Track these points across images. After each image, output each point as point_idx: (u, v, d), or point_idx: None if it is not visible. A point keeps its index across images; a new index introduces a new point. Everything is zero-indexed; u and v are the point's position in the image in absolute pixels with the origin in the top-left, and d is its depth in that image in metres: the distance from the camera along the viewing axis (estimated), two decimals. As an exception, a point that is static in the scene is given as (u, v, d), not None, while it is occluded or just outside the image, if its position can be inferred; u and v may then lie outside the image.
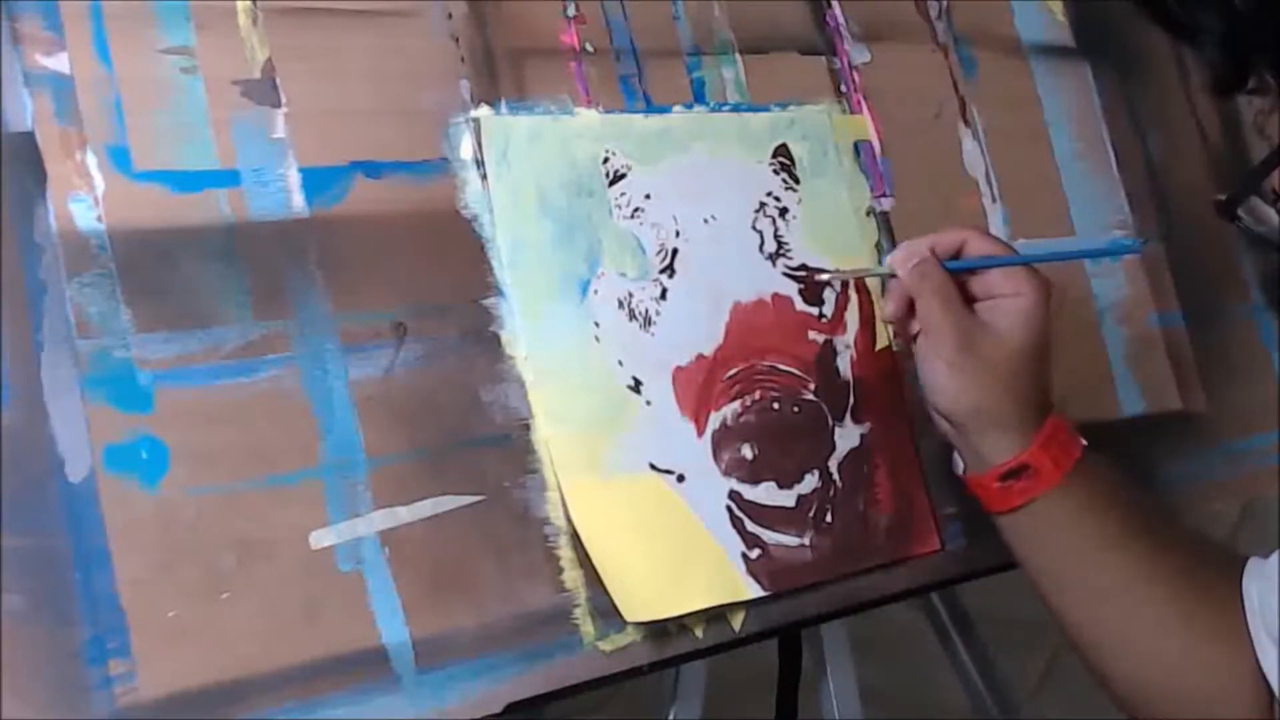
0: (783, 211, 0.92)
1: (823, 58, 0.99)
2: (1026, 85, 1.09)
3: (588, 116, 0.87)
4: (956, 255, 0.84)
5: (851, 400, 0.91)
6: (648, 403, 0.84)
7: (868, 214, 0.96)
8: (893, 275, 0.84)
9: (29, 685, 0.64)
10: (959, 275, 0.83)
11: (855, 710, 1.20)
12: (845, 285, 0.93)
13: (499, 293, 0.81)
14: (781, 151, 0.93)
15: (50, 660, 0.65)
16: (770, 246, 0.91)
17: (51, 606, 0.65)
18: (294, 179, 0.76)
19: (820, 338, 0.91)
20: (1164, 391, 1.10)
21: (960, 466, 0.86)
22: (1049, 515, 0.82)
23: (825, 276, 0.91)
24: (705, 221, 0.89)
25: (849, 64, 1.00)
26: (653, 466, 0.83)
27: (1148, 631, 0.82)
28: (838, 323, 0.92)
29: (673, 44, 0.92)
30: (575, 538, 0.80)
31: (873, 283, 0.94)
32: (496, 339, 0.80)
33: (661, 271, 0.86)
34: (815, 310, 0.91)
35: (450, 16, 0.84)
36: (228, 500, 0.70)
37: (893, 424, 0.93)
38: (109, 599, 0.66)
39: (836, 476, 0.89)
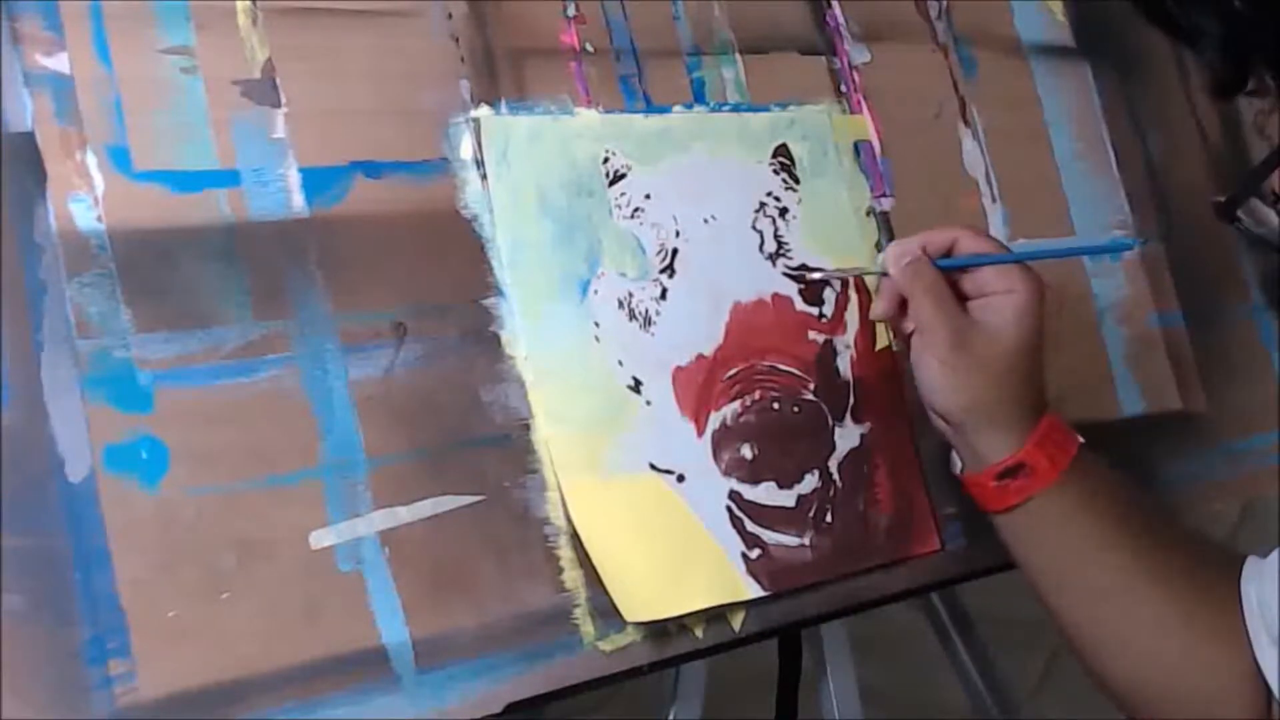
0: (783, 211, 0.92)
1: (823, 58, 0.99)
2: (1026, 85, 1.09)
3: (588, 116, 0.87)
4: (948, 253, 0.84)
5: (851, 400, 0.91)
6: (648, 403, 0.84)
7: (868, 214, 0.96)
8: (885, 274, 0.84)
9: (29, 685, 0.64)
10: (951, 273, 0.83)
11: (855, 710, 1.20)
12: (845, 285, 0.93)
13: (499, 293, 0.81)
14: (781, 151, 0.93)
15: (50, 660, 0.65)
16: (770, 246, 0.91)
17: (51, 606, 0.65)
18: (294, 179, 0.76)
19: (820, 338, 0.91)
20: (1164, 391, 1.10)
21: (958, 466, 0.86)
22: (1045, 514, 0.82)
23: (819, 275, 0.91)
24: (705, 221, 0.89)
25: (849, 64, 1.00)
26: (653, 466, 0.83)
27: (1146, 631, 0.82)
28: (838, 323, 0.92)
29: (673, 44, 0.92)
30: (575, 538, 0.80)
31: (872, 282, 0.94)
32: (496, 339, 0.80)
33: (661, 271, 0.86)
34: (815, 310, 0.91)
35: (450, 16, 0.84)
36: (228, 500, 0.70)
37: (893, 424, 0.93)
38: (109, 599, 0.66)
39: (836, 476, 0.89)
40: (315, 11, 0.79)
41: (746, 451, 0.86)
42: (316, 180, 0.77)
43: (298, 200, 0.76)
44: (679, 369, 0.85)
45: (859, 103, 0.99)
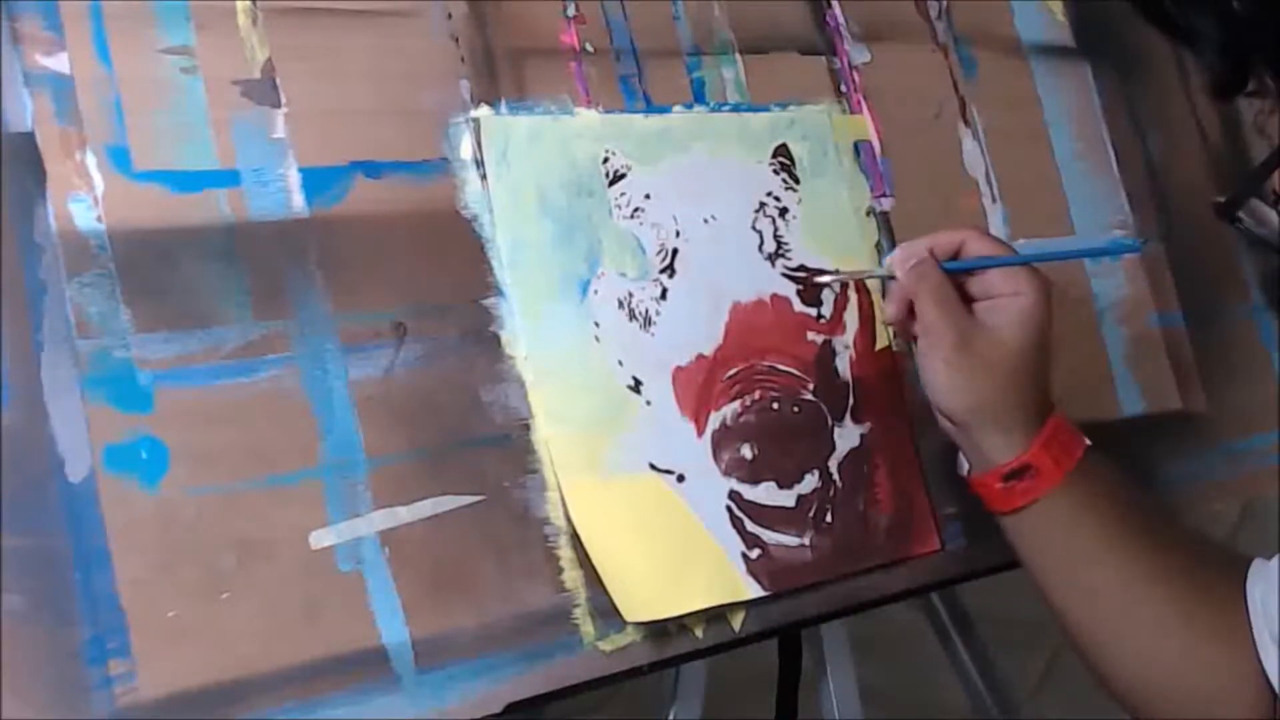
0: (783, 211, 0.92)
1: (823, 58, 0.99)
2: (1026, 85, 1.09)
3: (588, 116, 0.87)
4: (955, 256, 0.84)
5: (851, 400, 0.91)
6: (648, 403, 0.84)
7: (868, 214, 0.96)
8: (891, 277, 0.84)
9: (29, 685, 0.64)
10: (958, 275, 0.83)
11: (855, 710, 1.20)
12: (844, 285, 0.93)
13: (499, 293, 0.81)
14: (781, 151, 0.93)
15: (50, 660, 0.65)
16: (770, 246, 0.91)
17: (51, 606, 0.65)
18: (294, 179, 0.76)
19: (819, 338, 0.91)
20: (1164, 391, 1.10)
21: (965, 468, 0.86)
22: (1052, 515, 0.82)
23: (825, 279, 0.91)
24: (705, 221, 0.89)
25: (849, 64, 1.00)
26: (653, 466, 0.83)
27: (1146, 631, 0.82)
28: (837, 323, 0.92)
29: (673, 44, 0.92)
30: (575, 538, 0.80)
31: (873, 283, 0.94)
32: (496, 339, 0.80)
33: (661, 271, 0.86)
34: (814, 310, 0.91)
35: (450, 16, 0.84)
36: (228, 500, 0.70)
37: (893, 424, 0.93)
38: (109, 599, 0.66)
39: (836, 476, 0.89)
40: (315, 11, 0.79)
41: (746, 451, 0.86)
42: (316, 180, 0.77)
43: (298, 200, 0.76)
44: (679, 369, 0.85)
45: (859, 103, 0.99)
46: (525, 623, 0.77)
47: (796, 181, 0.93)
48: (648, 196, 0.87)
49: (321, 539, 0.72)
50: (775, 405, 0.88)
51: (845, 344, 0.92)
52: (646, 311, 0.85)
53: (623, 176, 0.86)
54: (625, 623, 0.80)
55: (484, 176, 0.82)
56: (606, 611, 0.79)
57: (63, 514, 0.66)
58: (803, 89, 0.97)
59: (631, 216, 0.86)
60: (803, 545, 0.87)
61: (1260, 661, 0.79)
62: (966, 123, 1.05)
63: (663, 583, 0.81)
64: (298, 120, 0.77)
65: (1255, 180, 0.76)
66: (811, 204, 0.93)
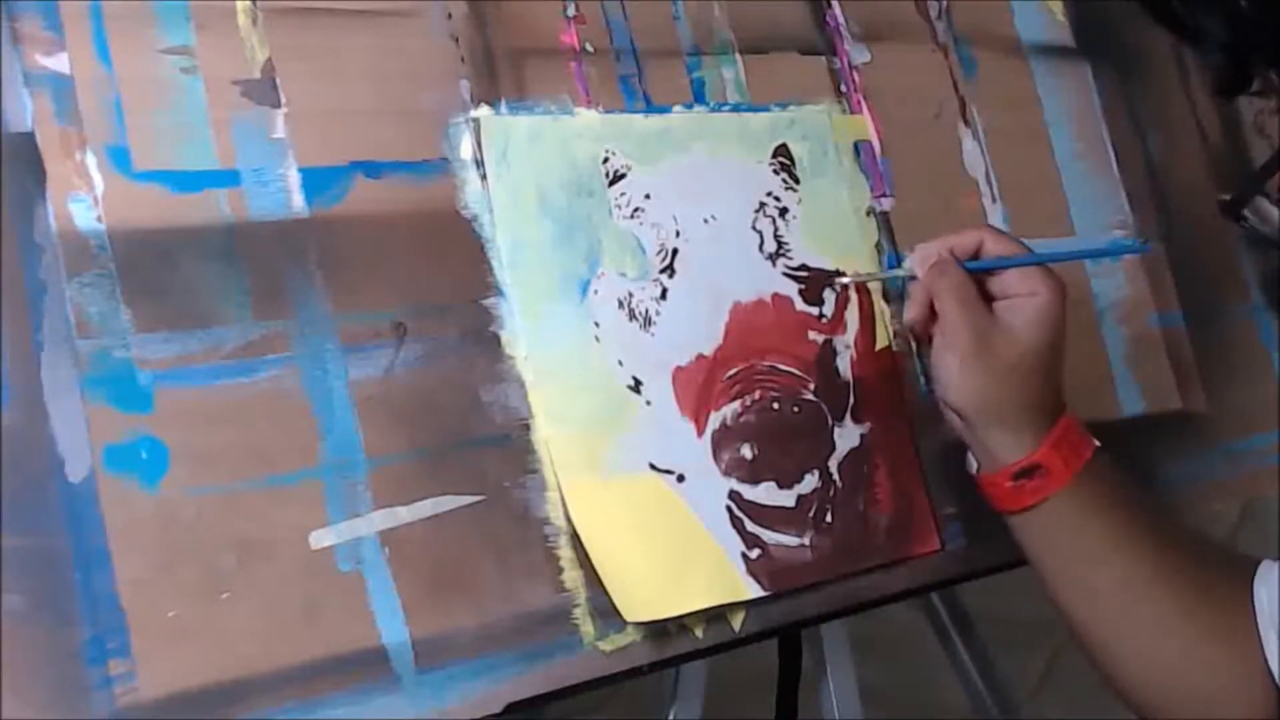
0: (783, 211, 0.92)
1: (823, 58, 0.99)
2: (1026, 85, 1.09)
3: (588, 116, 0.87)
4: (974, 255, 0.84)
5: (851, 400, 0.91)
6: (648, 403, 0.84)
7: (868, 214, 0.96)
8: (912, 277, 0.84)
9: (29, 685, 0.64)
10: (976, 275, 0.84)
11: (855, 710, 1.20)
12: (845, 286, 0.93)
13: (499, 293, 0.81)
14: (781, 151, 0.93)
15: (50, 660, 0.65)
16: (770, 246, 0.91)
17: (51, 606, 0.65)
18: (294, 179, 0.76)
19: (820, 338, 0.91)
20: (1164, 391, 1.10)
21: (974, 466, 0.86)
22: (1059, 515, 0.82)
23: (844, 280, 0.91)
24: (705, 221, 0.89)
25: (849, 64, 1.00)
26: (653, 466, 0.83)
27: (1147, 629, 0.82)
28: (837, 323, 0.92)
29: (673, 44, 0.92)
30: (575, 538, 0.80)
31: (874, 284, 0.94)
32: (496, 339, 0.80)
33: (661, 271, 0.86)
34: (815, 310, 0.91)
35: (450, 16, 0.84)
36: (228, 500, 0.70)
37: (893, 424, 0.93)
38: (109, 599, 0.66)
39: (836, 476, 0.89)
40: (315, 11, 0.79)
41: (746, 451, 0.86)
42: (316, 180, 0.77)
43: (298, 200, 0.76)
44: (679, 369, 0.85)
45: (859, 103, 0.99)
46: (525, 623, 0.77)
47: (796, 181, 0.93)
48: (648, 196, 0.87)
49: (321, 539, 0.72)
50: (775, 405, 0.88)
51: (846, 344, 0.92)
52: (646, 311, 0.85)
53: (623, 176, 0.86)
54: (625, 623, 0.80)
55: (484, 176, 0.82)
56: (606, 611, 0.79)
57: (63, 514, 0.66)
58: (803, 89, 0.97)
59: (631, 216, 0.86)
60: (803, 545, 0.87)
61: (1265, 661, 0.79)
62: (966, 123, 1.05)
63: (663, 583, 0.81)
64: (298, 120, 0.77)
65: (1259, 178, 0.76)
66: (811, 204, 0.93)
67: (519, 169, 0.83)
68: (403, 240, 0.79)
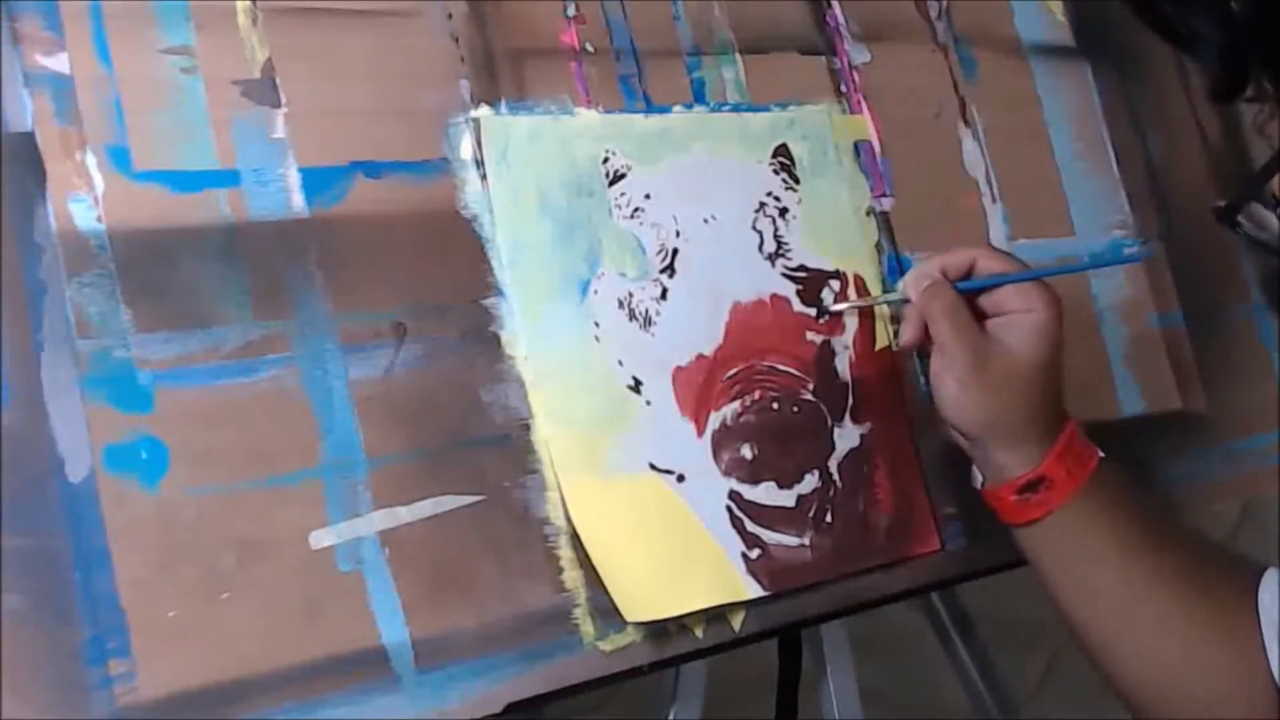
0: (783, 211, 0.92)
1: (823, 58, 0.99)
2: (1026, 85, 1.09)
3: (588, 116, 0.87)
4: (968, 274, 0.84)
5: (850, 400, 0.91)
6: (648, 403, 0.84)
7: (868, 214, 0.96)
8: (906, 300, 0.85)
9: (29, 685, 0.64)
10: (970, 294, 0.84)
11: (855, 710, 1.20)
12: (844, 285, 0.93)
13: (499, 293, 0.81)
14: (781, 151, 0.93)
15: (50, 660, 0.65)
16: (770, 246, 0.91)
17: (51, 606, 0.65)
18: (294, 179, 0.76)
19: (819, 338, 0.91)
20: (1164, 391, 1.10)
21: (978, 480, 0.86)
22: (1065, 527, 0.82)
23: (840, 307, 0.92)
24: (705, 221, 0.89)
25: (849, 64, 1.00)
26: (653, 466, 0.83)
27: (1148, 630, 0.82)
28: (836, 323, 0.92)
29: (673, 44, 0.92)
30: (575, 538, 0.80)
31: (875, 283, 0.94)
32: (496, 339, 0.80)
33: (661, 271, 0.86)
34: (813, 311, 0.91)
35: (450, 16, 0.84)
36: (228, 500, 0.70)
37: (892, 424, 0.93)
38: (109, 599, 0.66)
39: (836, 476, 0.89)
40: (315, 11, 0.79)
41: (746, 451, 0.86)
42: (316, 180, 0.77)
43: (298, 200, 0.76)
44: (679, 369, 0.85)
45: (859, 103, 0.99)
46: (525, 623, 0.77)
47: (796, 181, 0.93)
48: (648, 196, 0.87)
49: (321, 539, 0.72)
50: (775, 405, 0.88)
51: (845, 344, 0.92)
52: (646, 311, 0.85)
53: (623, 176, 0.86)
54: (625, 623, 0.80)
55: (484, 176, 0.82)
56: (606, 611, 0.79)
57: (63, 514, 0.66)
58: (803, 89, 0.97)
59: (631, 216, 0.86)
60: (803, 545, 0.87)
61: (1267, 664, 0.78)
62: (966, 123, 1.05)
63: (663, 583, 0.81)
64: (298, 120, 0.77)
65: (1255, 184, 0.76)
66: (811, 204, 0.93)
67: (519, 169, 0.83)
68: (403, 240, 0.79)
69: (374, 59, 0.80)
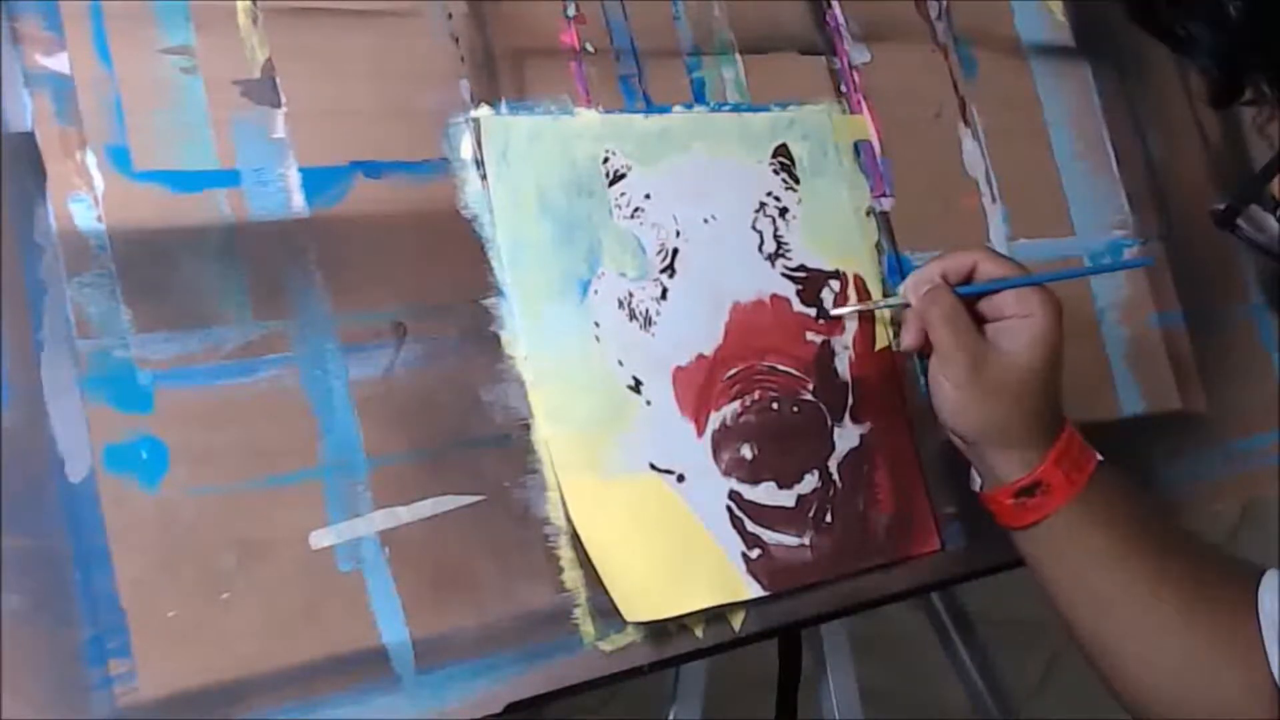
0: (783, 211, 0.92)
1: (823, 58, 0.99)
2: (1026, 85, 1.09)
3: (588, 116, 0.87)
4: (968, 278, 0.84)
5: (850, 400, 0.91)
6: (648, 403, 0.84)
7: (868, 214, 0.96)
8: (907, 304, 0.85)
9: (29, 685, 0.64)
10: (970, 298, 0.84)
11: (855, 710, 1.20)
12: (844, 285, 0.93)
13: (499, 293, 0.81)
14: (781, 151, 0.93)
15: (50, 660, 0.65)
16: (770, 246, 0.91)
17: (51, 606, 0.65)
18: (294, 179, 0.76)
19: (819, 338, 0.91)
20: (1164, 391, 1.10)
21: (976, 483, 0.86)
22: (1063, 530, 0.82)
23: (841, 311, 0.92)
24: (705, 221, 0.89)
25: (849, 64, 1.00)
26: (653, 466, 0.83)
27: (1149, 634, 0.82)
28: (836, 323, 0.92)
29: (673, 44, 0.92)
30: (575, 538, 0.80)
31: (875, 283, 0.94)
32: (496, 339, 0.80)
33: (662, 271, 0.86)
34: (813, 311, 0.91)
35: (450, 16, 0.84)
36: (228, 500, 0.70)
37: (892, 424, 0.93)
38: (109, 599, 0.66)
39: (836, 476, 0.89)
40: (315, 11, 0.79)
41: (746, 451, 0.86)
42: (316, 180, 0.77)
43: (298, 200, 0.76)
44: (679, 369, 0.85)
45: (859, 103, 0.99)
46: (525, 623, 0.77)
47: (796, 181, 0.93)
48: (648, 196, 0.87)
49: (321, 539, 0.72)
50: (775, 405, 0.88)
51: (845, 344, 0.92)
52: (646, 311, 0.85)
53: (623, 176, 0.86)
54: (625, 623, 0.80)
55: (484, 176, 0.82)
56: (606, 611, 0.79)
57: (63, 514, 0.66)
58: (803, 89, 0.97)
59: (631, 216, 0.86)
60: (803, 545, 0.87)
61: (1269, 667, 0.78)
62: (966, 123, 1.05)
63: (663, 583, 0.81)
64: (298, 120, 0.77)
65: (1253, 186, 0.76)
66: (811, 204, 0.93)
67: (519, 169, 0.83)
68: (403, 240, 0.79)
69: (374, 59, 0.80)
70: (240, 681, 0.69)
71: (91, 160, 0.71)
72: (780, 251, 0.91)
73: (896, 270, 0.96)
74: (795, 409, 0.89)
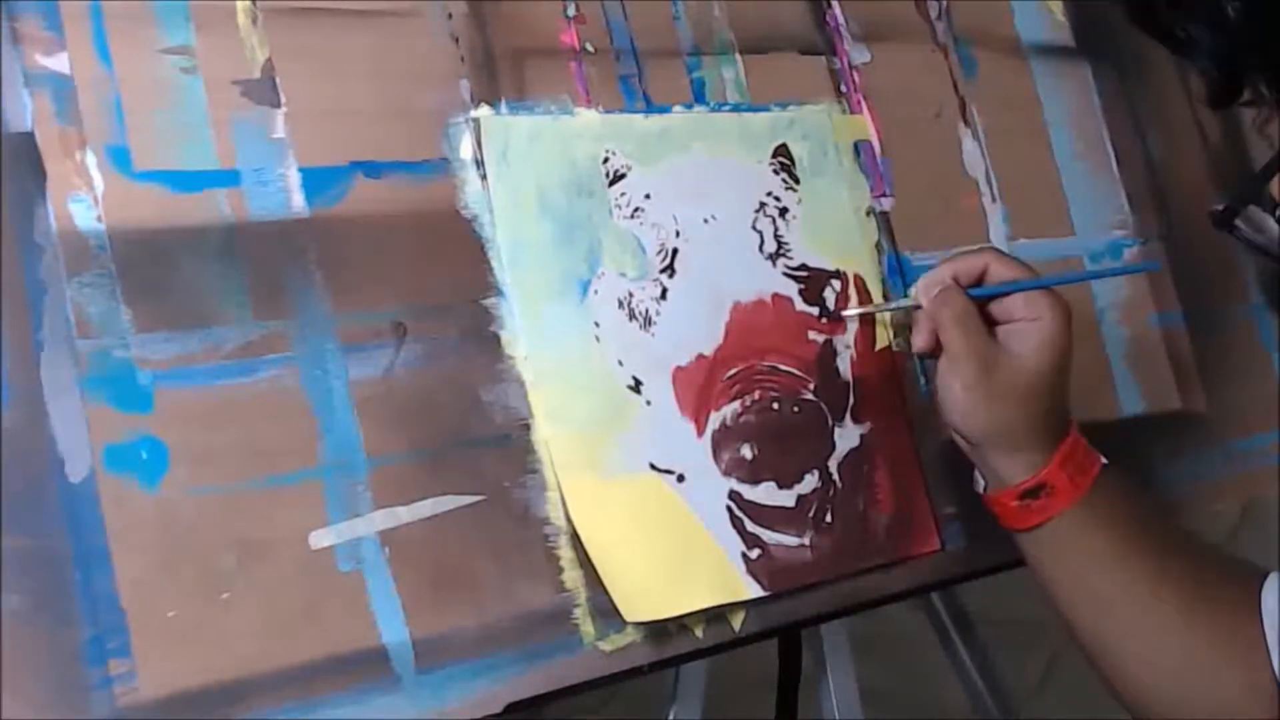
0: (783, 211, 0.92)
1: (823, 58, 0.99)
2: (1026, 85, 1.09)
3: (588, 116, 0.87)
4: (979, 280, 0.85)
5: (851, 400, 0.91)
6: (648, 403, 0.84)
7: (868, 214, 0.96)
8: (918, 306, 0.85)
9: (29, 685, 0.64)
10: (980, 300, 0.84)
11: (855, 710, 1.20)
12: (845, 285, 0.93)
13: (499, 293, 0.81)
14: (781, 151, 0.93)
15: (50, 660, 0.65)
16: (770, 246, 0.91)
17: (51, 606, 0.65)
18: (294, 179, 0.76)
19: (820, 338, 0.91)
20: (1164, 391, 1.10)
21: (980, 485, 0.86)
22: (1067, 532, 0.82)
23: (851, 313, 0.92)
24: (705, 221, 0.89)
25: (849, 64, 1.00)
26: (653, 466, 0.83)
27: (1149, 634, 0.82)
28: (838, 323, 0.92)
29: (673, 44, 0.92)
30: (575, 538, 0.80)
31: (875, 283, 0.94)
32: (496, 339, 0.80)
33: (661, 271, 0.86)
34: (815, 310, 0.91)
35: (450, 16, 0.84)
36: (228, 500, 0.70)
37: (893, 424, 0.93)
38: (109, 599, 0.66)
39: (836, 476, 0.89)
40: (315, 11, 0.79)
41: (746, 451, 0.86)
42: (316, 180, 0.77)
43: (298, 200, 0.76)
44: (679, 369, 0.85)
45: (859, 103, 0.99)
46: (525, 623, 0.77)
47: (796, 181, 0.93)
48: (648, 196, 0.87)
49: (321, 539, 0.72)
50: (775, 405, 0.88)
51: (846, 344, 0.92)
52: (646, 311, 0.85)
53: (623, 176, 0.86)
54: (625, 623, 0.80)
55: (484, 176, 0.82)
56: (606, 611, 0.79)
57: (63, 514, 0.66)
58: (803, 89, 0.97)
59: (631, 216, 0.86)
60: (803, 545, 0.87)
61: (1271, 668, 0.78)
62: (966, 123, 1.05)
63: (663, 583, 0.81)
64: (298, 120, 0.77)
65: (1252, 187, 0.76)
66: (811, 204, 0.93)
67: (519, 169, 0.83)
68: (403, 240, 0.79)
69: (374, 59, 0.80)
70: (240, 681, 0.69)
71: (91, 160, 0.71)
72: (781, 251, 0.91)
73: (896, 270, 0.96)
74: (796, 409, 0.89)
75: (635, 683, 0.82)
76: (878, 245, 0.96)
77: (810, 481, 0.88)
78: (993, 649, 1.38)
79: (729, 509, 0.85)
